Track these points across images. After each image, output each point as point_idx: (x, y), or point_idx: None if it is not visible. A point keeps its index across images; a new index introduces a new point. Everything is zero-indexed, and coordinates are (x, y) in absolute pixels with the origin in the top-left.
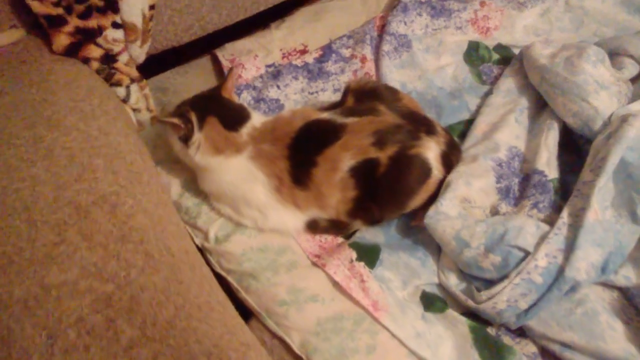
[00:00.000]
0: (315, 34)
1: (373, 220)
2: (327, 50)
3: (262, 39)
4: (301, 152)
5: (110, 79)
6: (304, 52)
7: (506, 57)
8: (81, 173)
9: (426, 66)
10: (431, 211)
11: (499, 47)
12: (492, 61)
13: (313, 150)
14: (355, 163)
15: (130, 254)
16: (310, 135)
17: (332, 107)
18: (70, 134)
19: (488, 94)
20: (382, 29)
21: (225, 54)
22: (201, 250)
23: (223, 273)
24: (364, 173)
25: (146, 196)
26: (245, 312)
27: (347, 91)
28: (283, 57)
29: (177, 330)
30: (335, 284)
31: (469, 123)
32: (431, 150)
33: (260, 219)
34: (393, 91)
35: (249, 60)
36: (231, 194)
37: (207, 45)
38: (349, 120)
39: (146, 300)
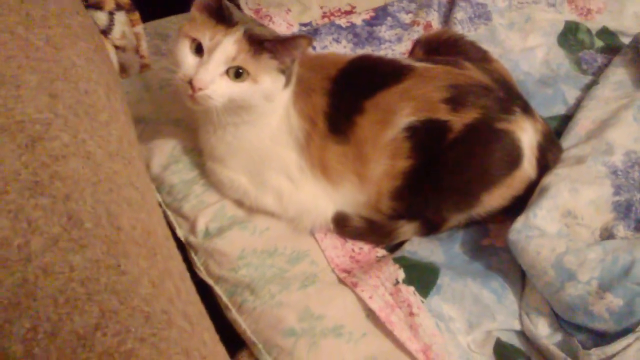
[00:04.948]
0: None
1: (427, 223)
2: (380, 13)
3: None
4: (347, 90)
5: None
6: (350, 13)
7: (612, 46)
8: None
9: (509, 45)
10: (519, 223)
11: (604, 33)
12: (595, 48)
13: (362, 91)
14: (415, 121)
15: (40, 212)
16: (363, 71)
17: None
18: None
19: (591, 85)
20: None
21: (249, 1)
22: (184, 249)
23: (209, 281)
24: (426, 138)
25: (97, 139)
26: (234, 341)
27: (416, 44)
28: (323, 17)
29: (92, 354)
30: (370, 314)
31: (566, 120)
32: (526, 133)
33: (287, 192)
34: (480, 50)
35: (279, 14)
36: (258, 152)
37: None
38: (419, 64)
39: (48, 293)
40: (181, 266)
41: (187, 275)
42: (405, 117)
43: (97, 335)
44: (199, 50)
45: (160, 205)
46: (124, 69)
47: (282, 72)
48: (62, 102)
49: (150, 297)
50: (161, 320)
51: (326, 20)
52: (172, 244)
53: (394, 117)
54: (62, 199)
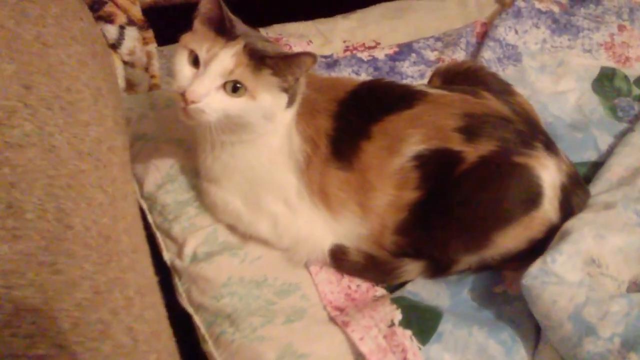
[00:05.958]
0: (393, 32)
1: (434, 264)
2: (405, 49)
3: (322, 25)
4: (353, 113)
5: (98, 9)
6: (373, 48)
7: None
8: None
9: (539, 87)
10: (534, 268)
11: None
12: (633, 96)
13: (369, 115)
14: (425, 149)
15: None
16: (372, 95)
17: None
18: None
19: (626, 132)
20: (483, 37)
21: (271, 32)
22: (169, 275)
23: (190, 309)
24: (437, 169)
25: (67, 135)
26: None
27: (434, 74)
28: (346, 50)
29: None
30: (360, 358)
31: (597, 167)
32: (547, 171)
33: (284, 219)
34: (503, 82)
35: (300, 44)
36: (255, 173)
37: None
38: (433, 90)
39: None
40: (146, 281)
41: (154, 292)
42: (414, 145)
43: (4, 334)
44: (196, 62)
45: (150, 226)
46: (131, 85)
47: (285, 90)
48: (35, 94)
49: (87, 303)
50: (94, 329)
51: (348, 54)
52: (142, 257)
53: (402, 145)
54: (6, 186)
